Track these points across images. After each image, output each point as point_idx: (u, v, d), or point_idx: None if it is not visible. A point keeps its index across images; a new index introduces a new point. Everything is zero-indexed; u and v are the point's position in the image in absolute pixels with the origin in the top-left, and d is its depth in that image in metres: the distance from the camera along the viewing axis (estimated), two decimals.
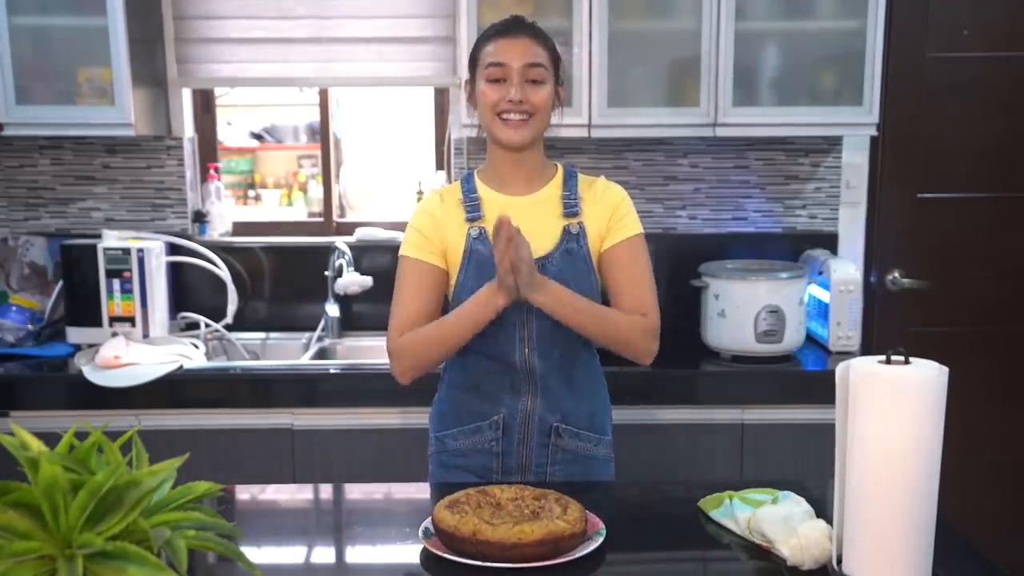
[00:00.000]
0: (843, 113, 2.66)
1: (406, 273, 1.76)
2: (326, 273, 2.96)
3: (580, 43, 2.59)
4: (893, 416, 1.16)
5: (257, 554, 1.39)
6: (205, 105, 3.14)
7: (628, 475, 2.44)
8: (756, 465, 2.49)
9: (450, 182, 3.00)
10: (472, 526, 1.29)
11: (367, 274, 2.87)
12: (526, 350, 1.72)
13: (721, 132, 2.64)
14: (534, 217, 1.74)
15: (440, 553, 1.31)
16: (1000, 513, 3.02)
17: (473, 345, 1.73)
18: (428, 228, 1.75)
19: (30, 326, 2.69)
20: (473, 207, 1.75)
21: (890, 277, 3.03)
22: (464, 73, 2.58)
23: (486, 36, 1.75)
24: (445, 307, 1.80)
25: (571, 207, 1.75)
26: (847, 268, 2.70)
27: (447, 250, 1.75)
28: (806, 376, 2.55)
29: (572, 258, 1.73)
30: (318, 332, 2.95)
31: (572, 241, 1.74)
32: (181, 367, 2.50)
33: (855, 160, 3.00)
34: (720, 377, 2.54)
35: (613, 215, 1.76)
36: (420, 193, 3.09)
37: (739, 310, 2.57)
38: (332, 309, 2.96)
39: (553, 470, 1.76)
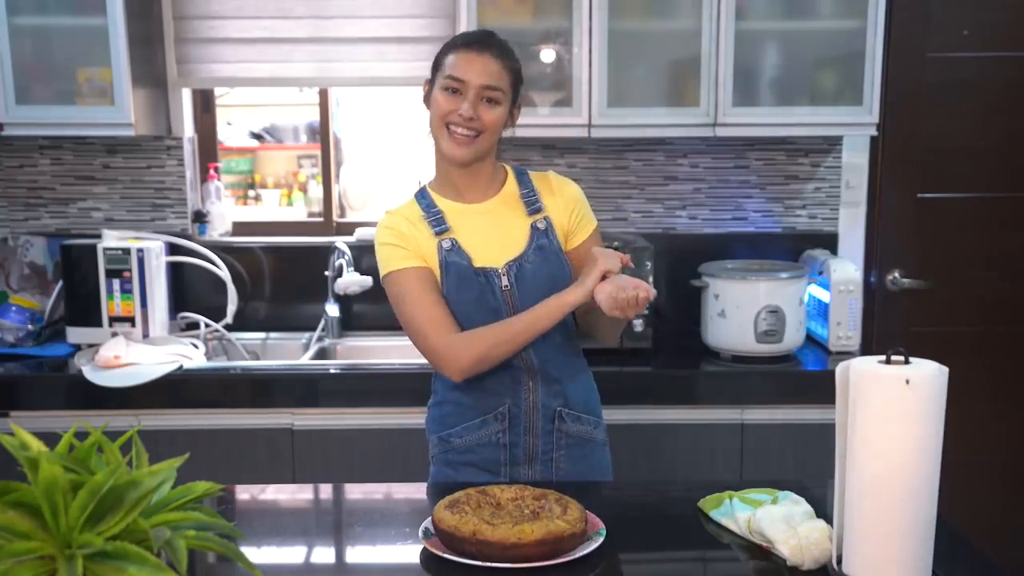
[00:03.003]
0: (843, 113, 2.66)
1: (407, 284, 1.72)
2: (326, 273, 2.96)
3: (580, 43, 2.59)
4: (893, 416, 1.16)
5: (257, 554, 1.40)
6: (205, 105, 3.14)
7: (628, 475, 2.45)
8: (756, 465, 2.49)
9: None
10: (472, 526, 1.29)
11: (367, 274, 2.87)
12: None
13: (721, 132, 2.64)
14: (499, 220, 1.76)
15: (440, 553, 1.31)
16: (1000, 513, 3.02)
17: None
18: (401, 239, 1.74)
19: (30, 326, 2.70)
20: (437, 220, 1.75)
21: (890, 277, 3.03)
22: None
23: (454, 44, 1.74)
24: None
25: (533, 204, 1.78)
26: (847, 268, 2.70)
27: (426, 260, 1.74)
28: (806, 376, 2.55)
29: (545, 253, 1.75)
30: (318, 332, 2.95)
31: (542, 237, 1.76)
32: (181, 367, 2.50)
33: (855, 160, 3.00)
34: (720, 377, 2.54)
35: (574, 212, 1.80)
36: None
37: (739, 310, 2.57)
38: (332, 309, 2.96)
39: (559, 455, 1.78)
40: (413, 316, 1.71)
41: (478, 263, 1.73)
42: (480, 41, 1.73)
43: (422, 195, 1.80)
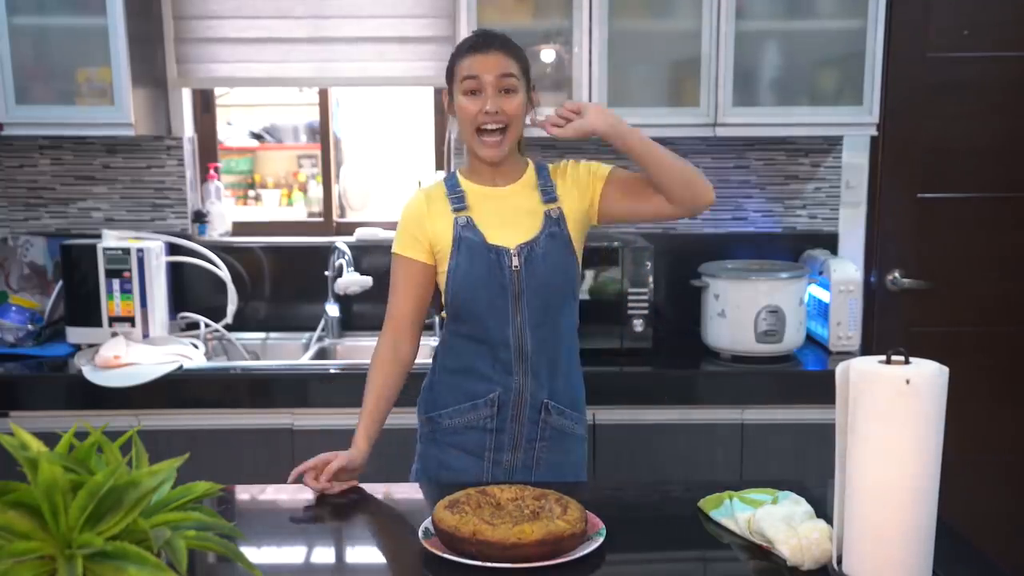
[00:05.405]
0: (843, 113, 2.66)
1: (397, 270, 1.87)
2: (326, 273, 2.96)
3: (580, 43, 2.59)
4: (893, 416, 1.16)
5: (257, 554, 1.40)
6: (205, 105, 3.14)
7: (629, 475, 2.45)
8: (756, 465, 2.49)
9: None
10: (472, 526, 1.29)
11: (367, 274, 2.87)
12: (518, 329, 1.80)
13: (721, 132, 2.64)
14: (517, 204, 1.84)
15: (440, 553, 1.31)
16: (1000, 513, 3.02)
17: (462, 330, 1.84)
18: (415, 226, 1.85)
19: (30, 326, 2.69)
20: (458, 199, 1.84)
21: (890, 277, 3.03)
22: None
23: (460, 52, 1.82)
24: (436, 296, 1.88)
25: (549, 193, 1.85)
26: (847, 268, 2.70)
27: (434, 243, 1.83)
28: (806, 376, 2.55)
29: (555, 241, 1.82)
30: (318, 332, 2.95)
31: (554, 225, 1.83)
32: (181, 367, 2.50)
33: (855, 160, 3.00)
34: (720, 377, 2.54)
35: (583, 183, 1.86)
36: None
37: (739, 310, 2.57)
38: (332, 309, 2.96)
39: (541, 445, 1.86)
40: (389, 298, 1.88)
41: (491, 240, 1.80)
42: (484, 40, 1.81)
43: (451, 178, 1.90)
